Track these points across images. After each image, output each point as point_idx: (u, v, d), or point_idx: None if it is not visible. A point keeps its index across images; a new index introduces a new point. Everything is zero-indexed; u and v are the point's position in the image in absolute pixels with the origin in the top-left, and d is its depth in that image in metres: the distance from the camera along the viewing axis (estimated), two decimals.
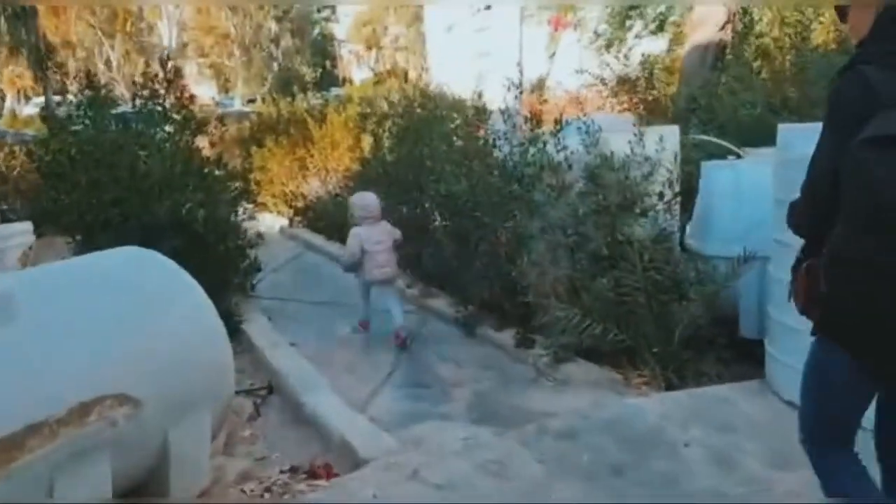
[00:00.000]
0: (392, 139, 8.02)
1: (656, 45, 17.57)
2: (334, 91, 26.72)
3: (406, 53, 44.74)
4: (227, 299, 6.13)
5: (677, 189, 4.86)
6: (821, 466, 2.20)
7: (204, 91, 37.72)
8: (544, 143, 5.28)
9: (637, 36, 18.35)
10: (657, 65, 13.00)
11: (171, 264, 3.43)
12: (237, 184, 6.72)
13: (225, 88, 43.46)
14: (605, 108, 11.87)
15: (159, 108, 6.49)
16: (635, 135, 4.97)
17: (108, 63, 34.88)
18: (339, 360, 5.51)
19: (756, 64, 7.53)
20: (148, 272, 3.34)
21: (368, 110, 10.68)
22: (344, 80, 40.00)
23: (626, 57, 14.91)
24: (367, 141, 9.23)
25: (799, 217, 2.13)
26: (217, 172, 6.57)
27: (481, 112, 5.78)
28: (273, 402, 4.90)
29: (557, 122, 5.14)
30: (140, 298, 3.17)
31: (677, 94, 8.44)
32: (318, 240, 9.49)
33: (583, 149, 5.14)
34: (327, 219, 9.42)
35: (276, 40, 41.21)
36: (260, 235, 6.58)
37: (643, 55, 13.76)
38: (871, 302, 1.85)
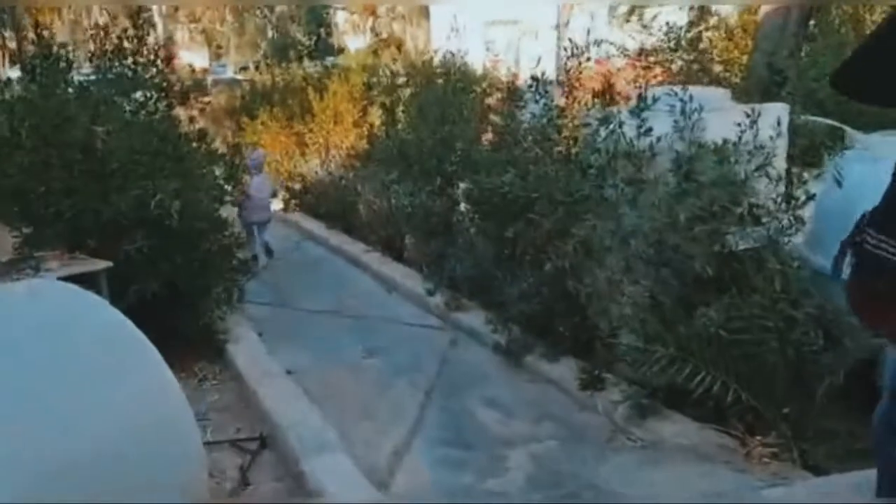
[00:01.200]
0: (409, 114, 6.77)
1: (680, 15, 16.27)
2: (329, 60, 25.30)
3: (403, 23, 43.04)
4: (209, 312, 4.94)
5: (810, 189, 3.65)
6: None
7: (195, 59, 36.29)
8: (620, 124, 4.06)
9: (661, 4, 17.04)
10: (687, 33, 11.78)
11: (112, 315, 2.22)
12: (223, 166, 5.47)
13: (217, 55, 41.97)
14: (638, 80, 10.64)
15: (128, 71, 5.24)
16: (748, 115, 3.75)
17: (96, 27, 33.26)
18: (350, 397, 4.32)
19: (843, 31, 6.29)
20: (72, 326, 2.13)
21: (374, 79, 9.40)
22: (339, 49, 38.40)
23: (647, 27, 13.68)
24: (375, 115, 7.98)
25: None
26: (199, 152, 5.34)
27: (540, 84, 4.51)
28: (266, 460, 3.73)
29: (642, 96, 3.91)
30: (56, 371, 1.96)
31: (751, 62, 7.16)
32: (318, 228, 8.27)
33: (672, 132, 3.94)
34: (329, 204, 8.19)
35: (270, 5, 39.58)
36: (250, 231, 5.35)
37: (668, 24, 12.54)
38: None
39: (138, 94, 5.21)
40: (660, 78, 11.06)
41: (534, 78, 4.52)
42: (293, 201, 9.06)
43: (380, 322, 5.54)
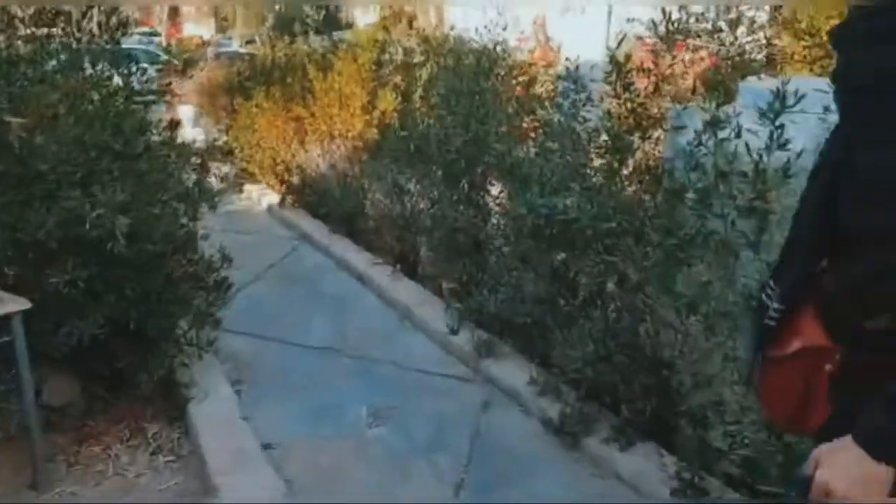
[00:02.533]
0: (428, 101, 5.58)
1: None
2: (337, 35, 23.99)
3: None
4: (167, 360, 3.79)
5: None
6: None
7: (203, 31, 35.27)
8: (737, 132, 2.87)
9: None
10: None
11: None
12: (195, 170, 4.28)
13: (222, 28, 40.82)
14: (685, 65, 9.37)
15: (72, 40, 4.06)
16: None
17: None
18: (350, 497, 3.18)
19: None
20: None
21: (385, 57, 8.15)
22: (348, 23, 37.03)
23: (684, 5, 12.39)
24: (386, 99, 6.77)
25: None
26: (166, 148, 4.17)
27: (621, 71, 3.27)
28: None
29: (780, 93, 2.72)
30: None
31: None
32: (317, 230, 7.10)
33: (816, 140, 2.75)
34: (331, 203, 7.01)
35: None
36: (226, 257, 4.13)
37: None
38: None
39: (88, 70, 4.03)
40: (706, 63, 9.82)
41: (615, 61, 3.31)
42: (289, 197, 7.87)
43: (390, 367, 4.37)
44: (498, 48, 5.29)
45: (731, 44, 10.26)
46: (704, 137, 3.00)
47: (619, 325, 3.19)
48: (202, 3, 40.79)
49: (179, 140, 4.40)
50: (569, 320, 3.47)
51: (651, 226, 2.89)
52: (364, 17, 41.30)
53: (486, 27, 5.47)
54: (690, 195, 3.00)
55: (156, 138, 4.11)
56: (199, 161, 4.55)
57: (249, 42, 27.62)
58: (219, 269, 4.05)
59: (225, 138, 9.68)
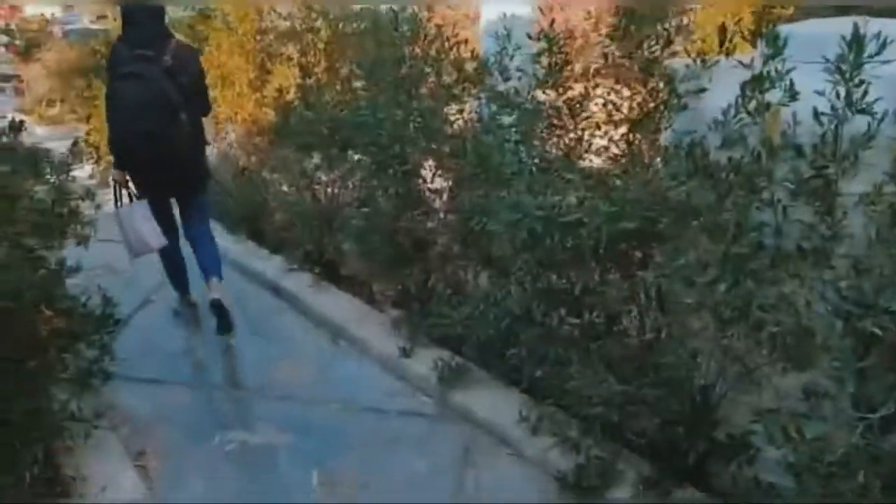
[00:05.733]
0: (339, 74, 4.69)
1: None
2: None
3: None
4: (37, 450, 2.79)
5: None
6: None
7: (48, 10, 31.95)
8: (790, 91, 2.18)
9: None
10: None
11: None
12: (50, 179, 3.23)
13: (68, 5, 37.37)
14: None
15: None
16: None
17: None
18: None
19: None
20: None
21: (267, 24, 7.07)
22: None
23: None
24: (282, 73, 5.76)
25: None
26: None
27: None
28: None
29: (857, 38, 2.02)
30: None
31: None
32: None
33: None
34: (227, 199, 5.99)
35: None
36: (108, 300, 3.10)
37: None
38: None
39: None
40: None
41: None
42: None
43: (331, 409, 3.53)
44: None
45: None
46: (743, 101, 2.30)
47: (650, 352, 2.48)
48: None
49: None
50: (569, 343, 2.74)
51: (697, 225, 2.18)
52: None
53: None
54: (732, 178, 2.30)
55: None
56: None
57: (101, 17, 25.07)
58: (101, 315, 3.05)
59: (85, 129, 8.40)
